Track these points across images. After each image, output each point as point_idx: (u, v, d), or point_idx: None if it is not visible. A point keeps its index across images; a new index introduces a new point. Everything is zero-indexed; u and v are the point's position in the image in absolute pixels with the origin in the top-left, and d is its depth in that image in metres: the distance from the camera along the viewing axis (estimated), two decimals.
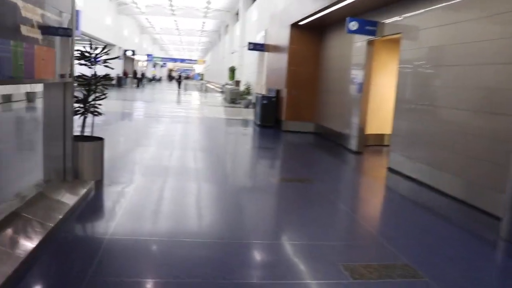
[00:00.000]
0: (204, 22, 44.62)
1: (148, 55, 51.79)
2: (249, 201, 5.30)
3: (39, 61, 3.79)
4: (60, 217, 3.83)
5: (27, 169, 5.84)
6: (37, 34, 3.72)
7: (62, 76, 4.50)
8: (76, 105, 5.39)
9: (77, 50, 5.45)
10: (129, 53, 39.93)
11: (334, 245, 3.93)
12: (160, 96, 29.45)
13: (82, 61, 5.53)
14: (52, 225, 3.62)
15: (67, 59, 4.60)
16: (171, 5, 34.91)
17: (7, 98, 14.68)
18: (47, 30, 4.00)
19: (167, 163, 7.14)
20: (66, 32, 4.54)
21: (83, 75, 5.54)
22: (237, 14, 32.20)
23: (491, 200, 5.17)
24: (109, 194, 5.07)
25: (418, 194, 6.20)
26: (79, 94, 5.45)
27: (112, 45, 36.21)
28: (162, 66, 78.42)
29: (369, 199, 6.11)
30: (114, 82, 36.06)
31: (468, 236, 4.48)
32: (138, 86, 41.55)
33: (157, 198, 5.06)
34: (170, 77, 78.23)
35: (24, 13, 3.42)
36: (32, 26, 3.60)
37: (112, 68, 6.04)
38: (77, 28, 21.80)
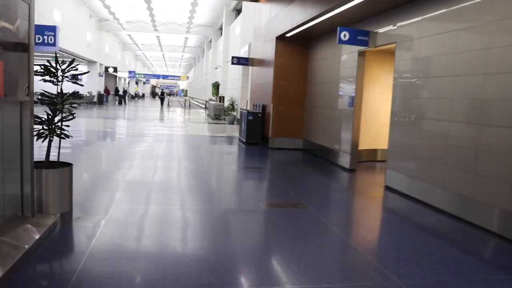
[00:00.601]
0: (187, 38, 44.21)
1: (130, 72, 51.03)
2: (239, 234, 4.68)
3: None
4: (12, 263, 3.17)
5: None
6: None
7: (14, 93, 3.84)
8: (39, 127, 4.78)
9: (41, 65, 4.85)
10: (110, 70, 39.19)
11: None
12: (142, 113, 28.70)
13: (47, 77, 4.92)
14: None
15: (23, 74, 3.96)
16: (153, 21, 34.41)
17: None
18: None
19: (147, 188, 6.50)
20: (18, 43, 3.89)
21: (47, 92, 4.91)
22: (220, 29, 31.82)
23: (498, 220, 4.67)
24: (78, 229, 4.41)
25: (422, 216, 5.65)
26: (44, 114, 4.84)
27: (93, 62, 35.52)
28: (145, 83, 77.53)
29: (371, 225, 5.53)
30: (94, 100, 35.30)
31: (488, 266, 3.92)
32: (120, 103, 40.77)
33: (134, 232, 4.42)
34: (154, 94, 77.50)
35: None
36: None
37: (81, 85, 5.41)
38: (54, 44, 21.08)
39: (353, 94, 8.82)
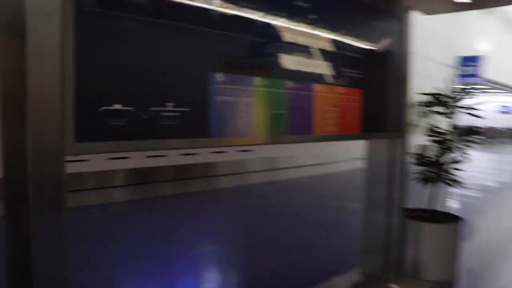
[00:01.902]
0: None
1: None
2: None
3: (325, 109, 2.56)
4: None
5: (342, 254, 4.70)
6: (318, 69, 2.49)
7: (382, 129, 3.13)
8: (421, 168, 3.92)
9: (430, 94, 4.02)
10: None
11: None
12: None
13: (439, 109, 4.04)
14: None
15: (396, 105, 3.21)
16: None
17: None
18: (345, 64, 2.71)
19: None
20: (386, 68, 3.15)
21: (436, 127, 4.02)
22: None
23: None
24: None
25: None
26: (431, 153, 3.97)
27: None
28: None
29: None
30: None
31: None
32: None
33: None
34: None
35: (288, 36, 2.28)
36: (310, 56, 2.42)
37: (479, 117, 4.22)
38: (477, 75, 20.00)
39: None
